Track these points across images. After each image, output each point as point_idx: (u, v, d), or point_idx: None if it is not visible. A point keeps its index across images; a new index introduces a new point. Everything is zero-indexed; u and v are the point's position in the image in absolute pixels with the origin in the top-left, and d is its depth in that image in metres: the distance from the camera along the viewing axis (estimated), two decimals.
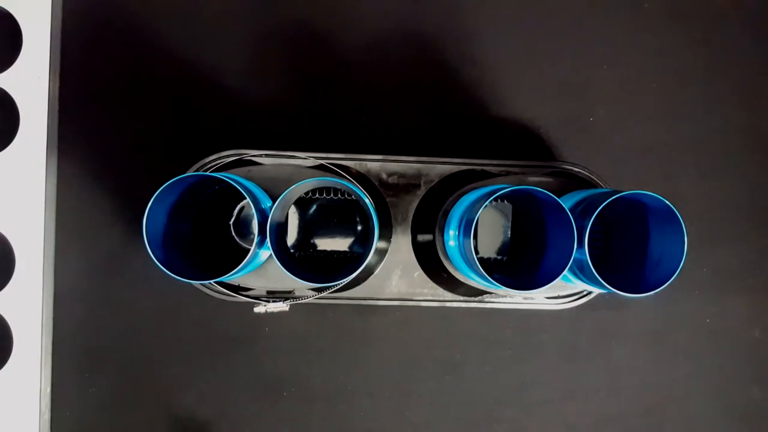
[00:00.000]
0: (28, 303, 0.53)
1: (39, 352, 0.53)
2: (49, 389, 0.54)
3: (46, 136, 0.53)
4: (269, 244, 0.42)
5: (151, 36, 0.56)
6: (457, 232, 0.46)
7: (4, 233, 0.53)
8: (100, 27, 0.56)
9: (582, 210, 0.43)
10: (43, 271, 0.53)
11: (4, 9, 0.53)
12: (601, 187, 0.52)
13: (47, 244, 0.54)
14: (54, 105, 0.55)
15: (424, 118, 0.57)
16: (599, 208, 0.41)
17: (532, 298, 0.53)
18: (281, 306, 0.50)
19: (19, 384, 0.53)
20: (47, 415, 0.54)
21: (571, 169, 0.52)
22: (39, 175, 0.53)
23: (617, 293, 0.41)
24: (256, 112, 0.56)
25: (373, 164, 0.53)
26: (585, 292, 0.53)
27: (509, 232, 0.52)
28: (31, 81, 0.53)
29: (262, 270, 0.50)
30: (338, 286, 0.49)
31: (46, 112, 0.54)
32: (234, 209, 0.53)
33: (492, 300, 0.53)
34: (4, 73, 0.53)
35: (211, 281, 0.48)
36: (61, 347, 0.55)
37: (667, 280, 0.41)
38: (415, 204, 0.53)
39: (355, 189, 0.46)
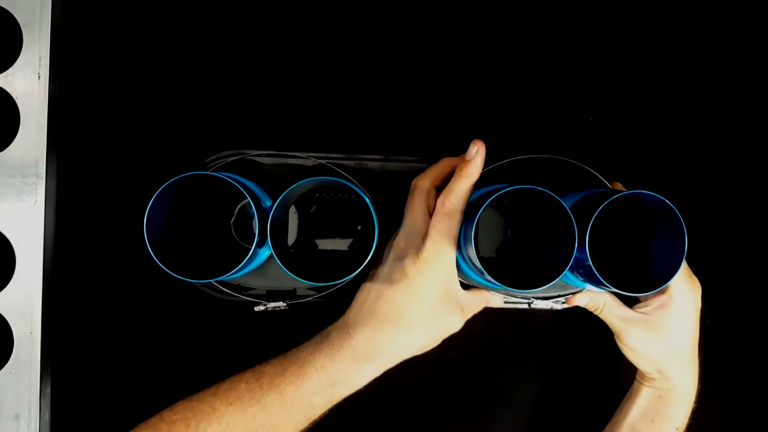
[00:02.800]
0: (28, 303, 0.53)
1: (39, 351, 0.53)
2: (49, 389, 0.54)
3: (46, 136, 0.53)
4: (269, 243, 0.42)
5: (151, 36, 0.56)
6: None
7: (4, 233, 0.53)
8: (100, 27, 0.56)
9: (582, 210, 0.43)
10: (43, 271, 0.53)
11: (4, 9, 0.53)
12: (602, 186, 0.52)
13: (47, 244, 0.54)
14: (54, 105, 0.55)
15: (424, 118, 0.57)
16: (599, 208, 0.41)
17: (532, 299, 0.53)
18: (281, 306, 0.50)
19: (19, 384, 0.53)
20: (47, 415, 0.54)
21: (572, 169, 0.52)
22: (39, 175, 0.53)
23: (617, 293, 0.41)
24: (256, 112, 0.56)
25: (373, 164, 0.53)
26: None
27: (509, 232, 0.52)
28: (31, 81, 0.53)
29: (262, 270, 0.50)
30: (338, 286, 0.49)
31: (46, 112, 0.53)
32: (234, 209, 0.53)
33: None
34: (4, 73, 0.53)
35: (211, 281, 0.48)
36: (61, 347, 0.55)
37: (667, 280, 0.41)
38: None
39: (355, 189, 0.46)
